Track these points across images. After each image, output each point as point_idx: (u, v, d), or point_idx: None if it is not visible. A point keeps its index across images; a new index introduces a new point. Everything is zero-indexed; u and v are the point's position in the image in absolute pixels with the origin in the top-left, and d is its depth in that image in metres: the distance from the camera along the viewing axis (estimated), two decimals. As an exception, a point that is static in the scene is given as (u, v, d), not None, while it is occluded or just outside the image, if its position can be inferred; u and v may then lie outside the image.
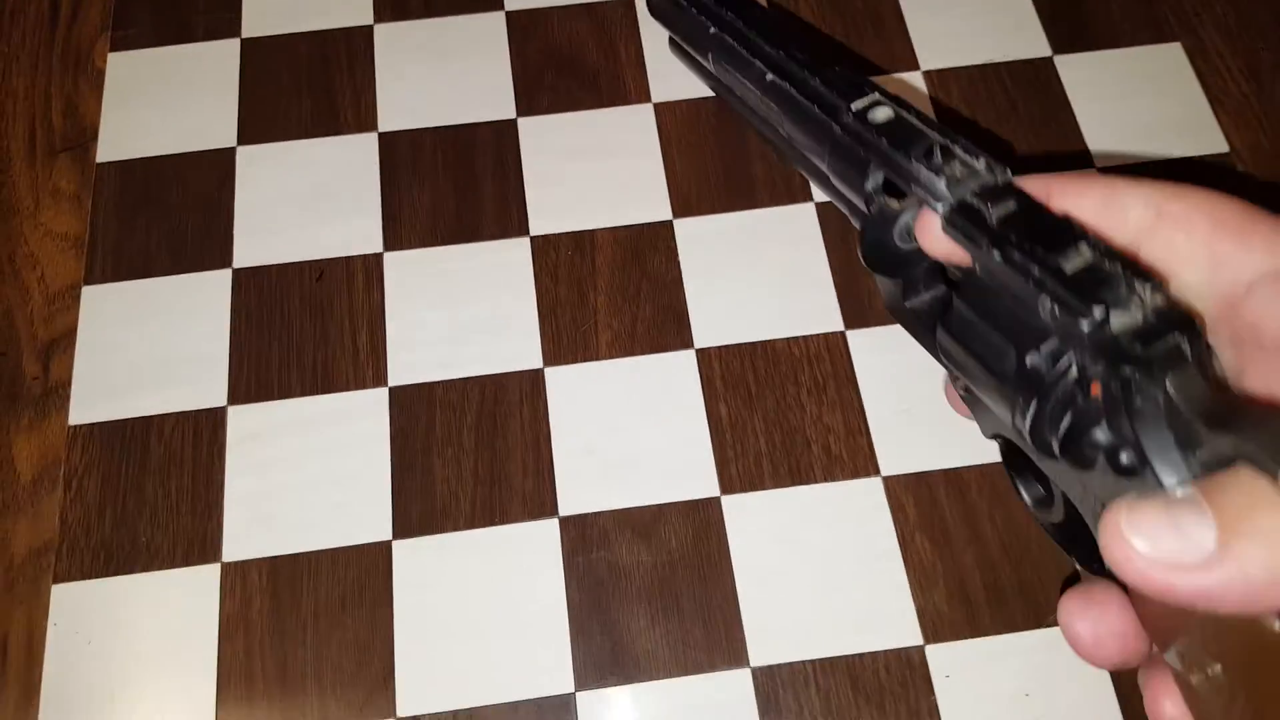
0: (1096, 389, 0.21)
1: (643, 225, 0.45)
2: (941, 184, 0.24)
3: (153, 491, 0.40)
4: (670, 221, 0.45)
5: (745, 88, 0.32)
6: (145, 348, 0.42)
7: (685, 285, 0.44)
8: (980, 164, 0.24)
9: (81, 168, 0.46)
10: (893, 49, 0.50)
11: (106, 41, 0.50)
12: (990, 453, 0.40)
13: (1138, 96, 0.48)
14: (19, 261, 0.44)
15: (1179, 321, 0.20)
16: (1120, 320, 0.20)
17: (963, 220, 0.24)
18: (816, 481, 0.40)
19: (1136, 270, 0.21)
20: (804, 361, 0.43)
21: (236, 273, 0.44)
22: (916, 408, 0.41)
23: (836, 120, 0.27)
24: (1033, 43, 0.49)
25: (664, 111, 0.48)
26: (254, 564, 0.39)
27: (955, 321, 0.26)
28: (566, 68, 0.49)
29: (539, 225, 0.45)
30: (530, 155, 0.47)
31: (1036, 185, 0.24)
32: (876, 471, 0.40)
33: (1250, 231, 0.21)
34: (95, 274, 0.44)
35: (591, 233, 0.45)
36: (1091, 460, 0.22)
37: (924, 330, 0.28)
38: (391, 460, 0.40)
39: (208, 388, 0.42)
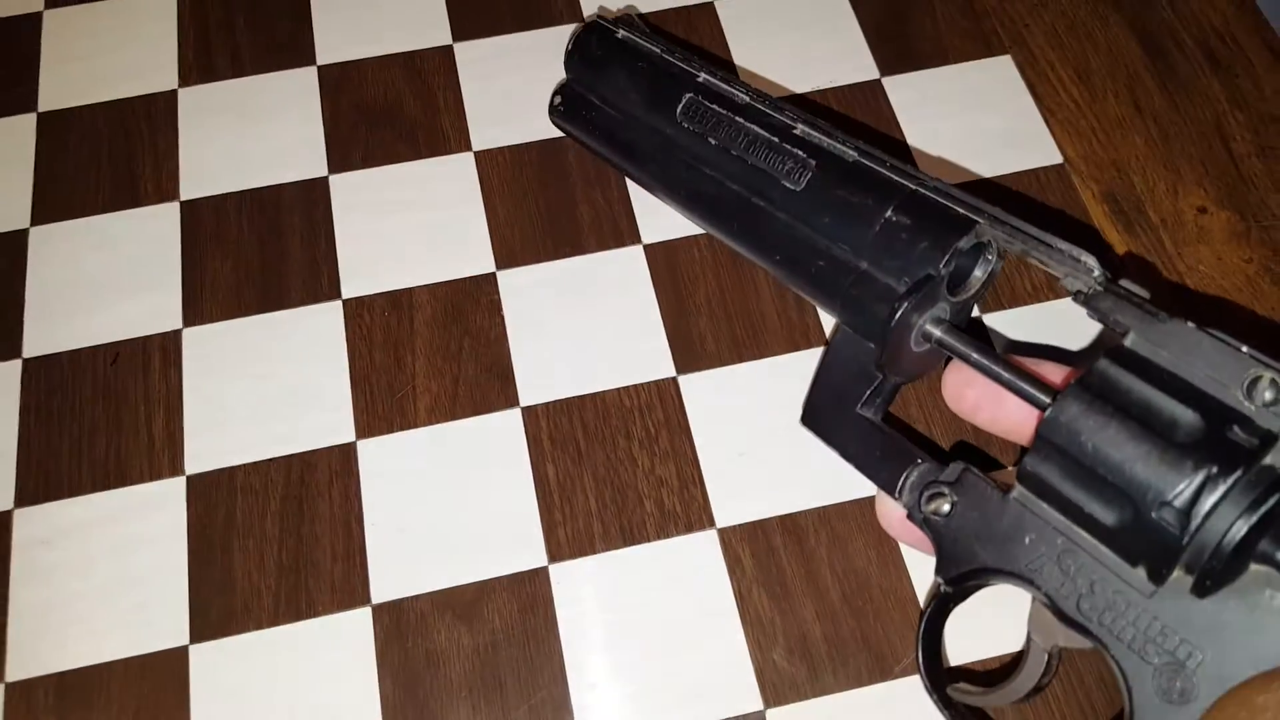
0: None
1: (464, 279, 0.43)
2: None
3: (-76, 612, 0.36)
4: (493, 274, 0.43)
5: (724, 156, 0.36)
6: (-81, 453, 0.39)
7: (510, 340, 0.42)
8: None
9: None
10: (721, 80, 0.48)
11: (-111, 124, 0.46)
12: (827, 493, 0.38)
13: (969, 112, 0.47)
14: None
15: None
16: None
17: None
18: (650, 540, 0.38)
19: None
20: (635, 412, 0.41)
21: (26, 363, 0.41)
22: (750, 450, 0.39)
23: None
24: (861, 66, 0.48)
25: (485, 160, 0.46)
26: (39, 682, 0.36)
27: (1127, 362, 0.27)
28: (381, 120, 0.47)
29: (352, 287, 0.43)
30: (342, 213, 0.44)
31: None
32: (711, 523, 0.38)
33: None
34: None
35: (409, 291, 0.43)
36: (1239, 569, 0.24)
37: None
38: (189, 556, 0.37)
39: (-12, 492, 0.38)
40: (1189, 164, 0.46)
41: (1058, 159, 0.46)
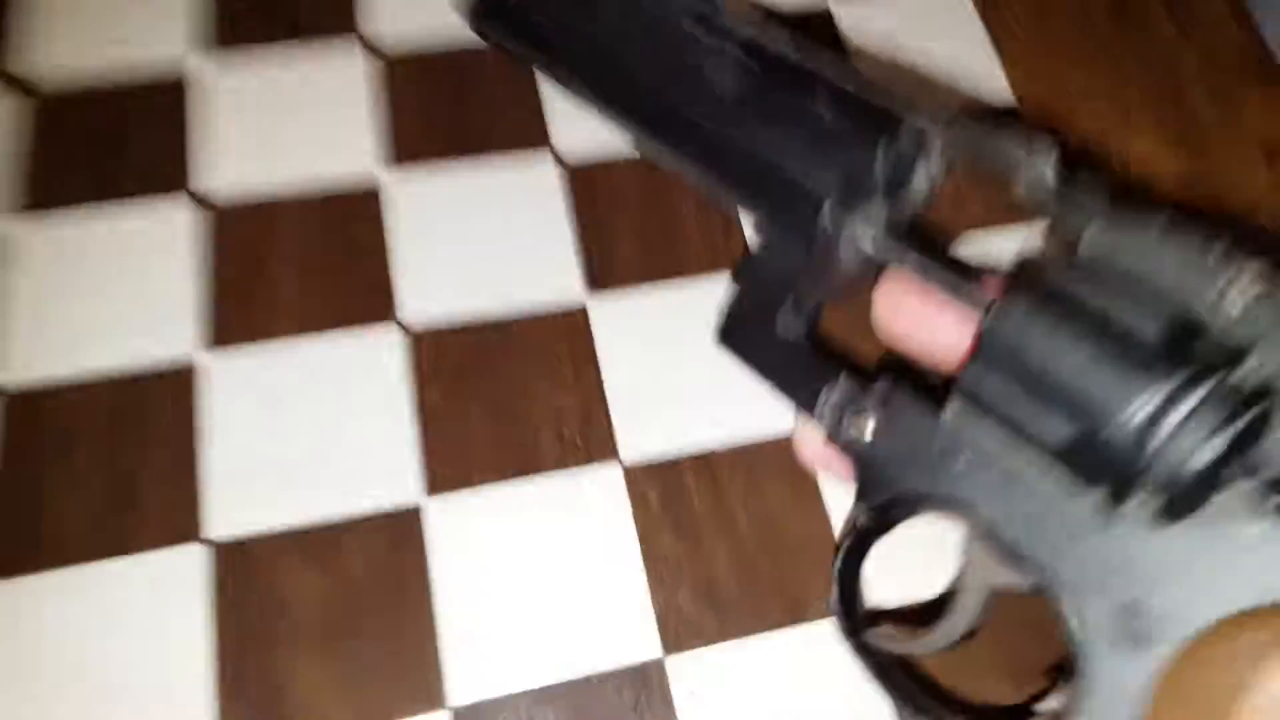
0: None
1: (344, 179, 0.38)
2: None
3: None
4: (378, 175, 0.38)
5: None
6: None
7: (395, 252, 0.37)
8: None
9: None
10: None
11: None
12: (744, 432, 0.34)
13: (919, 43, 0.44)
14: None
15: None
16: None
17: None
18: (544, 472, 0.33)
19: None
20: (537, 336, 0.36)
21: None
22: (663, 381, 0.35)
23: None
24: (804, -15, 0.44)
25: (378, 48, 0.40)
26: None
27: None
28: (264, 4, 0.41)
29: (207, 181, 0.37)
30: (206, 100, 0.39)
31: None
32: (616, 458, 0.34)
33: None
34: None
35: (278, 196, 0.37)
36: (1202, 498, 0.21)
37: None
38: (-11, 479, 0.31)
39: None
40: (1141, 108, 0.43)
41: (1009, 98, 0.43)
